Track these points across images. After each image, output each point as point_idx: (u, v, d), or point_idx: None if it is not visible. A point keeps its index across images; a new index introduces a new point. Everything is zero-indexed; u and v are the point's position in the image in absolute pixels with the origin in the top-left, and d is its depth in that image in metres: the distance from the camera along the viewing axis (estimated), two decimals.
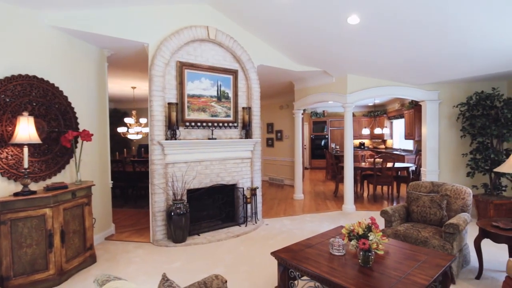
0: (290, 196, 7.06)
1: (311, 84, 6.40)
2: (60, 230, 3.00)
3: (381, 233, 2.18)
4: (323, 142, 12.45)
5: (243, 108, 4.85)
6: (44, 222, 2.87)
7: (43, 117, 3.27)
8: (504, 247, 3.34)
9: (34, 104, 3.18)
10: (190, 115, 4.39)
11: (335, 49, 4.81)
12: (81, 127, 3.77)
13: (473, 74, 4.69)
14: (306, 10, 3.82)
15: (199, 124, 4.41)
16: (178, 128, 4.18)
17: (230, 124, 4.78)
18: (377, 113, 11.75)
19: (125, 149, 7.80)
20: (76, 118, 3.72)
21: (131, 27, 3.87)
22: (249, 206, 4.93)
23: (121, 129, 7.42)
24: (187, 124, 4.32)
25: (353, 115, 12.22)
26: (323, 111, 12.52)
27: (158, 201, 4.06)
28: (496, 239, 2.78)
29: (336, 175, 7.13)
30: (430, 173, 5.42)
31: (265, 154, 9.59)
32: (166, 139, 4.11)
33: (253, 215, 4.97)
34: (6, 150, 2.90)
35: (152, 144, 4.04)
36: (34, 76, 3.17)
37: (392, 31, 3.92)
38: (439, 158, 5.42)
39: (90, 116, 4.00)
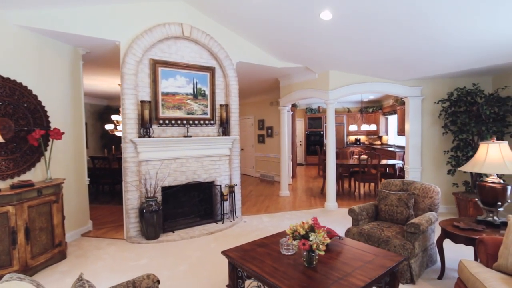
0: (276, 193, 7.06)
1: (296, 80, 6.35)
2: (25, 227, 3.06)
3: (324, 233, 2.16)
4: (318, 139, 12.38)
5: (220, 105, 4.84)
6: (7, 220, 2.93)
7: (10, 116, 3.31)
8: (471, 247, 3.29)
9: (0, 103, 3.23)
10: (164, 113, 4.40)
11: (310, 45, 4.75)
12: (54, 126, 3.81)
13: (455, 69, 4.59)
14: (280, 6, 3.77)
15: (173, 122, 4.42)
16: (151, 126, 4.20)
17: (207, 122, 4.78)
18: (372, 109, 11.62)
19: (113, 146, 7.87)
20: (47, 116, 3.77)
21: (102, 25, 3.88)
22: (227, 203, 4.95)
23: (108, 126, 7.48)
24: (161, 122, 4.33)
25: (349, 110, 12.20)
26: (318, 107, 12.42)
27: (131, 199, 4.11)
28: (455, 239, 2.74)
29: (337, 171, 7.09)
30: (412, 171, 5.35)
31: (257, 151, 9.59)
32: (139, 137, 4.13)
33: (232, 212, 4.99)
34: None
35: (125, 142, 4.07)
36: None
37: (366, 27, 3.85)
38: (422, 155, 5.35)
39: (63, 114, 4.04)
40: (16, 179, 3.34)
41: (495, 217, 2.80)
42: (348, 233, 3.39)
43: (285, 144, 6.82)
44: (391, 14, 3.46)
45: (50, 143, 3.72)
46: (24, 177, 3.45)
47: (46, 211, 3.34)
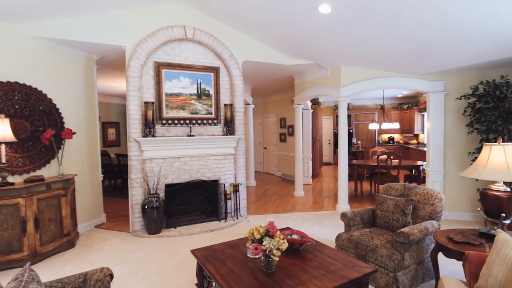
0: (291, 193, 6.92)
1: (309, 78, 6.15)
2: (34, 218, 3.42)
3: (279, 239, 2.08)
4: (347, 137, 11.82)
5: (225, 105, 4.88)
6: (18, 210, 3.30)
7: (26, 117, 3.72)
8: None
9: (17, 106, 3.64)
10: (168, 113, 4.57)
11: (316, 40, 4.56)
12: (67, 126, 4.19)
13: (475, 61, 4.05)
14: (279, 2, 3.66)
15: (176, 121, 4.57)
16: (154, 126, 4.39)
17: (211, 121, 4.86)
18: (408, 105, 10.79)
19: None
20: (62, 118, 4.15)
21: (108, 31, 4.15)
22: (232, 202, 4.99)
23: None
24: (164, 122, 4.51)
25: (382, 107, 11.43)
26: (348, 104, 11.84)
27: (135, 195, 4.35)
28: (448, 253, 2.43)
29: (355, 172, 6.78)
30: (433, 174, 4.86)
31: (279, 149, 9.49)
32: (143, 137, 4.35)
33: (236, 211, 5.02)
34: None
35: (129, 141, 4.32)
36: (16, 82, 3.61)
37: (370, 19, 3.58)
38: (445, 157, 4.83)
39: (77, 115, 4.41)
40: (32, 174, 3.74)
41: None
42: (338, 239, 3.21)
43: (299, 142, 6.65)
44: (394, 4, 3.16)
45: (63, 142, 4.09)
46: (40, 172, 3.84)
47: (55, 203, 3.69)
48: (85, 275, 1.94)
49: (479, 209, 2.62)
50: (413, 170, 6.49)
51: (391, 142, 11.52)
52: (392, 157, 6.15)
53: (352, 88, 5.25)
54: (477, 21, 3.16)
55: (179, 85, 4.63)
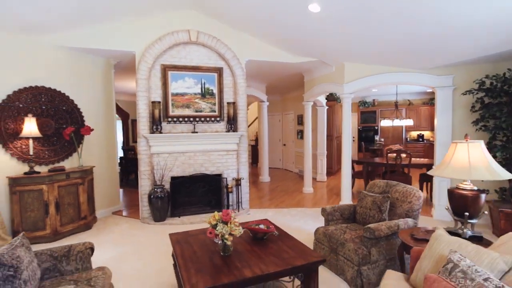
0: (301, 189, 7.00)
1: (316, 75, 6.17)
2: (55, 202, 4.01)
3: (232, 226, 2.29)
4: (372, 134, 11.46)
5: (228, 103, 5.15)
6: (41, 195, 3.90)
7: (51, 116, 4.34)
8: None
9: (44, 107, 4.26)
10: (174, 111, 4.96)
11: (314, 39, 4.61)
12: (87, 124, 4.78)
13: (491, 52, 3.79)
14: (273, 2, 3.79)
15: (181, 119, 4.95)
16: (161, 123, 4.81)
17: (214, 119, 5.16)
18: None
19: None
20: (82, 116, 4.74)
21: (120, 39, 4.63)
22: (234, 195, 5.26)
23: None
24: (170, 119, 4.91)
25: (410, 103, 10.89)
26: (373, 100, 11.47)
27: (144, 186, 4.82)
28: (408, 250, 2.44)
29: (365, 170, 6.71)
30: None
31: (296, 146, 9.55)
32: (151, 133, 4.79)
33: (238, 204, 5.28)
34: (20, 142, 4.02)
35: (139, 137, 4.79)
36: (42, 86, 4.23)
37: (360, 16, 3.59)
38: None
39: (95, 114, 4.99)
40: (56, 165, 4.36)
41: (465, 230, 2.39)
42: (315, 232, 3.32)
43: (308, 138, 6.69)
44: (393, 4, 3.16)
45: (83, 137, 4.68)
46: (63, 164, 4.46)
47: (73, 190, 4.27)
48: (70, 247, 2.35)
49: (446, 208, 2.57)
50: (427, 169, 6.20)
51: (421, 140, 10.91)
52: (405, 155, 5.93)
53: (357, 84, 5.19)
54: (489, 8, 3.00)
55: (184, 85, 5.00)
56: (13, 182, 3.81)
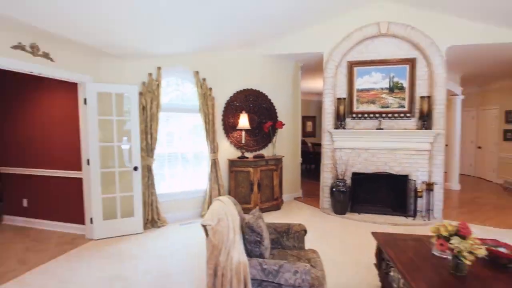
0: None
1: None
2: (257, 182, 4.87)
3: (473, 242, 1.92)
4: None
5: (421, 97, 4.63)
6: (248, 176, 4.83)
7: (255, 113, 5.28)
8: None
9: (251, 105, 5.24)
10: (358, 108, 4.93)
11: None
12: (280, 119, 5.52)
13: None
14: None
15: (366, 115, 4.85)
16: (345, 119, 4.90)
17: (403, 115, 4.75)
18: None
19: None
20: (276, 113, 5.52)
21: (309, 42, 5.05)
22: (424, 201, 4.68)
23: None
24: (354, 115, 4.91)
25: None
26: None
27: (325, 178, 5.07)
28: None
29: None
30: None
31: (501, 150, 7.46)
32: (335, 129, 4.96)
33: (428, 211, 4.66)
34: (236, 133, 5.11)
35: (323, 132, 5.07)
36: (251, 88, 5.21)
37: None
38: None
39: (286, 111, 5.69)
40: (257, 152, 5.28)
41: None
42: None
43: None
44: None
45: (277, 131, 5.44)
46: (261, 151, 5.35)
47: (269, 175, 5.04)
48: (289, 225, 2.75)
49: None
50: None
51: None
52: None
53: None
54: None
55: (370, 80, 4.86)
56: (231, 163, 4.91)
